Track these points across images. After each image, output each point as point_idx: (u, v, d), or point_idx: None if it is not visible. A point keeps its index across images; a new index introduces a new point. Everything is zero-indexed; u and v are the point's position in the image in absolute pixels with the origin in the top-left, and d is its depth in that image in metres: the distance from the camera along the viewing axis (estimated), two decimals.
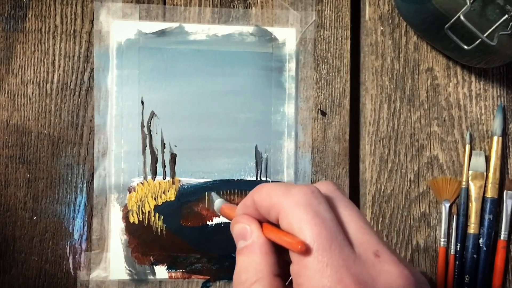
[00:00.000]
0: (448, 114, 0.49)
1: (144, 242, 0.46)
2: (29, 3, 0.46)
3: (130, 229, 0.46)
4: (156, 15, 0.47)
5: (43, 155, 0.46)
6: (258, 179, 0.47)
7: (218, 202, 0.36)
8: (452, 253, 0.47)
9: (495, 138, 0.48)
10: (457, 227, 0.48)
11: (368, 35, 0.49)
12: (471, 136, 0.49)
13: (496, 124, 0.48)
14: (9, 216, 0.45)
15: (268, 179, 0.47)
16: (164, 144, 0.47)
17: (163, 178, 0.47)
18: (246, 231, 0.27)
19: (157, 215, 0.46)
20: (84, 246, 0.46)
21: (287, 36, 0.48)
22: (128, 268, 0.46)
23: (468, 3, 0.39)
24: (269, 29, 0.48)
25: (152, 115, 0.47)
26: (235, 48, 0.48)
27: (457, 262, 0.47)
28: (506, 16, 0.40)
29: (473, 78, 0.50)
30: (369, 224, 0.26)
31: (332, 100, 0.49)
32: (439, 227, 0.48)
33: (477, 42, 0.40)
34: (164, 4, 0.47)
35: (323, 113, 0.49)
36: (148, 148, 0.47)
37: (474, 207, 0.47)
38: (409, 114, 0.49)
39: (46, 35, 0.46)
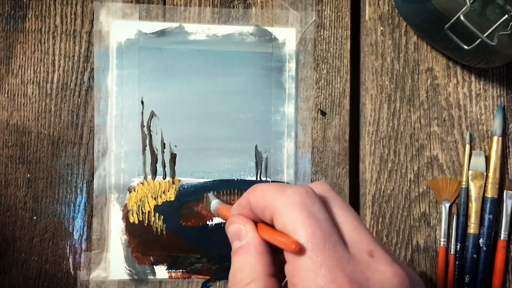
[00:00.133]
0: (448, 114, 0.49)
1: (144, 242, 0.46)
2: (29, 3, 0.46)
3: (130, 229, 0.46)
4: (156, 15, 0.47)
5: (43, 155, 0.46)
6: (258, 179, 0.47)
7: (214, 202, 0.36)
8: (452, 253, 0.47)
9: (495, 138, 0.48)
10: (457, 227, 0.48)
11: (368, 35, 0.49)
12: (471, 136, 0.49)
13: (496, 124, 0.48)
14: (9, 216, 0.45)
15: (268, 179, 0.47)
16: (164, 144, 0.47)
17: (163, 178, 0.47)
18: (241, 231, 0.27)
19: (157, 215, 0.46)
20: (84, 246, 0.46)
21: (287, 36, 0.48)
22: (128, 268, 0.46)
23: (468, 3, 0.39)
24: (269, 29, 0.48)
25: (152, 115, 0.47)
26: (235, 48, 0.48)
27: (457, 262, 0.47)
28: (506, 16, 0.40)
29: (473, 78, 0.50)
30: (363, 223, 0.26)
31: (332, 100, 0.49)
32: (439, 227, 0.48)
33: (477, 42, 0.40)
34: (164, 4, 0.47)
35: (323, 113, 0.49)
36: (148, 148, 0.47)
37: (474, 207, 0.47)
38: (409, 114, 0.49)
39: (46, 35, 0.46)
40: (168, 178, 0.47)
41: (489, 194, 0.47)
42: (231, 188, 0.47)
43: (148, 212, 0.46)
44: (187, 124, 0.47)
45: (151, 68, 0.47)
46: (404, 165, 0.49)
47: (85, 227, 0.46)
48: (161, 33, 0.47)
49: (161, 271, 0.46)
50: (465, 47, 0.41)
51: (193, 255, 0.46)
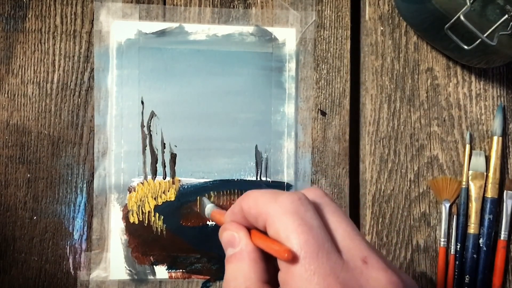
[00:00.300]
0: (448, 114, 0.49)
1: (144, 242, 0.46)
2: (29, 3, 0.46)
3: (130, 229, 0.46)
4: (156, 15, 0.47)
5: (43, 155, 0.46)
6: (258, 179, 0.47)
7: (208, 207, 0.36)
8: (452, 253, 0.47)
9: (495, 138, 0.48)
10: (457, 227, 0.48)
11: (368, 35, 0.49)
12: (471, 136, 0.49)
13: (496, 124, 0.48)
14: (9, 216, 0.45)
15: (268, 179, 0.47)
16: (164, 144, 0.47)
17: (163, 178, 0.47)
18: (234, 238, 0.27)
19: (157, 215, 0.46)
20: (84, 246, 0.46)
21: (287, 36, 0.48)
22: (128, 268, 0.46)
23: (468, 3, 0.39)
24: (269, 29, 0.48)
25: (152, 115, 0.47)
26: (235, 48, 0.48)
27: (457, 262, 0.47)
28: (506, 16, 0.40)
29: (473, 78, 0.50)
30: (357, 229, 0.26)
31: (332, 100, 0.49)
32: (439, 227, 0.48)
33: (477, 42, 0.40)
34: (164, 4, 0.47)
35: (323, 113, 0.49)
36: (148, 148, 0.47)
37: (474, 207, 0.47)
38: (409, 114, 0.49)
39: (46, 35, 0.46)
40: (168, 178, 0.47)
41: (489, 194, 0.47)
42: (231, 188, 0.47)
43: (148, 212, 0.46)
44: (187, 124, 0.47)
45: (151, 68, 0.47)
46: (404, 165, 0.49)
47: (85, 227, 0.46)
48: (161, 33, 0.47)
49: (161, 271, 0.46)
50: (465, 47, 0.41)
51: (193, 255, 0.46)
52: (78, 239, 0.46)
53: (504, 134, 0.49)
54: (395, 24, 0.49)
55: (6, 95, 0.46)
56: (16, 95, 0.46)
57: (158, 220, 0.46)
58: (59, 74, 0.46)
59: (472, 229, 0.47)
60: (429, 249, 0.48)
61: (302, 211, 0.24)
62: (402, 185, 0.48)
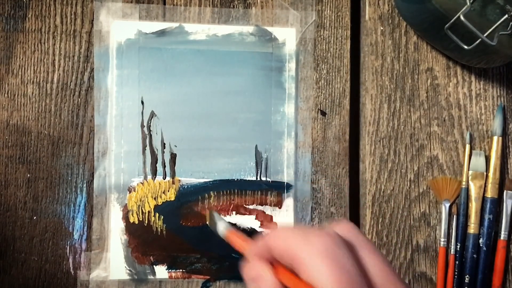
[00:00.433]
0: (448, 114, 0.49)
1: (144, 242, 0.46)
2: (29, 3, 0.46)
3: (130, 229, 0.46)
4: (156, 15, 0.47)
5: (43, 155, 0.46)
6: (258, 179, 0.47)
7: (221, 226, 0.34)
8: (452, 253, 0.47)
9: (495, 138, 0.48)
10: (457, 227, 0.48)
11: (368, 35, 0.49)
12: (471, 136, 0.49)
13: (496, 124, 0.48)
14: (9, 216, 0.45)
15: (268, 179, 0.47)
16: (164, 144, 0.47)
17: (163, 178, 0.47)
18: (261, 278, 0.26)
19: (157, 215, 0.46)
20: (84, 246, 0.46)
21: (287, 36, 0.48)
22: (128, 268, 0.46)
23: (468, 3, 0.39)
24: (269, 29, 0.48)
25: (152, 115, 0.47)
26: (235, 48, 0.48)
27: (457, 262, 0.47)
28: (506, 16, 0.40)
29: (473, 78, 0.50)
30: (390, 265, 0.25)
31: (332, 100, 0.49)
32: (439, 227, 0.48)
33: (477, 42, 0.40)
34: (164, 4, 0.47)
35: (323, 113, 0.49)
36: (148, 148, 0.47)
37: (474, 207, 0.47)
38: (409, 114, 0.49)
39: (46, 35, 0.46)
40: (168, 178, 0.47)
41: (489, 194, 0.47)
42: (231, 188, 0.47)
43: (148, 212, 0.46)
44: (187, 124, 0.47)
45: (151, 68, 0.47)
46: (404, 165, 0.49)
47: (85, 227, 0.46)
48: (161, 33, 0.47)
49: (161, 271, 0.46)
50: (465, 47, 0.41)
51: (193, 255, 0.46)
52: (78, 239, 0.46)
53: (504, 134, 0.49)
54: (395, 24, 0.49)
55: (6, 95, 0.46)
56: (16, 95, 0.46)
57: (158, 220, 0.46)
58: (59, 74, 0.46)
59: (472, 229, 0.47)
60: (429, 249, 0.48)
61: (337, 254, 0.24)
62: (402, 185, 0.48)
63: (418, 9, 0.44)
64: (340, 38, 0.49)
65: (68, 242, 0.46)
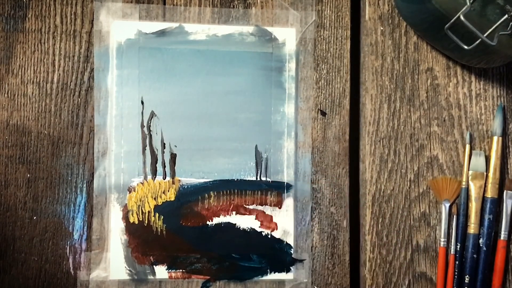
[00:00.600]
0: (448, 114, 0.49)
1: (144, 242, 0.46)
2: (29, 3, 0.46)
3: (130, 229, 0.46)
4: (156, 15, 0.47)
5: (43, 155, 0.46)
6: (258, 179, 0.47)
7: None
8: (452, 253, 0.47)
9: (495, 138, 0.48)
10: (457, 227, 0.48)
11: (368, 35, 0.49)
12: (471, 136, 0.49)
13: (496, 124, 0.48)
14: (9, 216, 0.45)
15: (268, 179, 0.47)
16: (164, 144, 0.47)
17: (163, 178, 0.47)
18: None
19: (157, 215, 0.46)
20: (84, 246, 0.46)
21: (287, 36, 0.48)
22: (128, 268, 0.46)
23: (468, 3, 0.39)
24: (269, 29, 0.48)
25: (152, 115, 0.47)
26: (235, 48, 0.48)
27: (457, 262, 0.47)
28: (506, 16, 0.40)
29: (473, 78, 0.50)
30: None
31: (332, 100, 0.49)
32: (439, 227, 0.48)
33: (477, 42, 0.40)
34: (164, 4, 0.47)
35: (323, 113, 0.49)
36: (148, 148, 0.47)
37: (474, 207, 0.47)
38: (409, 114, 0.49)
39: (46, 35, 0.46)
40: (168, 178, 0.47)
41: (489, 194, 0.47)
42: (231, 188, 0.47)
43: (148, 212, 0.46)
44: (187, 124, 0.47)
45: (151, 68, 0.47)
46: (404, 165, 0.49)
47: (85, 227, 0.46)
48: (161, 33, 0.47)
49: (161, 271, 0.46)
50: (465, 47, 0.41)
51: (193, 255, 0.46)
52: (78, 239, 0.46)
53: (504, 134, 0.49)
54: (395, 24, 0.49)
55: (6, 95, 0.46)
56: (16, 95, 0.46)
57: (158, 220, 0.46)
58: (59, 74, 0.46)
59: (472, 229, 0.47)
60: (429, 249, 0.48)
61: None
62: (402, 185, 0.48)
63: (418, 9, 0.44)
64: (340, 38, 0.49)
65: (68, 242, 0.46)
